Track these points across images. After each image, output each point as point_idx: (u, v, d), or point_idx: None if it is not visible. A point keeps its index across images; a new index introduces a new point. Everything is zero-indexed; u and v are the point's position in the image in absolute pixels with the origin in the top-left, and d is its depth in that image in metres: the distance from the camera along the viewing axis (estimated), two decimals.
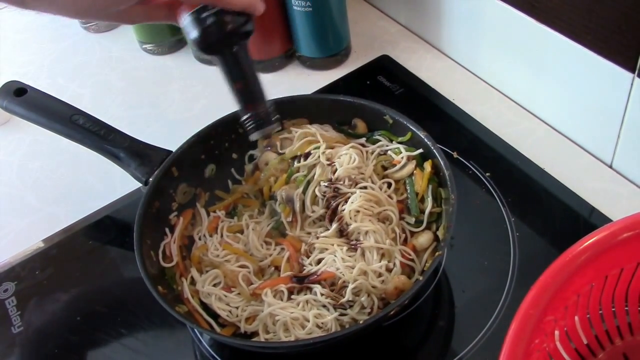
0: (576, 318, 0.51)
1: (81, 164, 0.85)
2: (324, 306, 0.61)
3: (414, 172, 0.68)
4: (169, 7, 0.56)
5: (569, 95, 0.76)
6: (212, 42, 0.54)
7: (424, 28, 0.95)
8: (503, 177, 0.74)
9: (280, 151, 0.72)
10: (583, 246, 0.47)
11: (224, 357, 0.64)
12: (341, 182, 0.66)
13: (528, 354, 0.43)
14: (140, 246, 0.62)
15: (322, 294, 0.61)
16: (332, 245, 0.64)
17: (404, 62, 0.93)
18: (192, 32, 0.53)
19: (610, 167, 0.75)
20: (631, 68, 0.65)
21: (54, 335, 0.68)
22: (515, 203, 0.72)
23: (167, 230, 0.67)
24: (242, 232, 0.69)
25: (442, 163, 0.65)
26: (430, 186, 0.66)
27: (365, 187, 0.66)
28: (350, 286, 0.60)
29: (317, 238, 0.65)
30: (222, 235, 0.69)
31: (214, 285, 0.65)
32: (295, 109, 0.73)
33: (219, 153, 0.73)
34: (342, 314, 0.61)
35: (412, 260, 0.64)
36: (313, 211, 0.67)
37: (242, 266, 0.66)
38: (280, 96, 0.72)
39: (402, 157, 0.68)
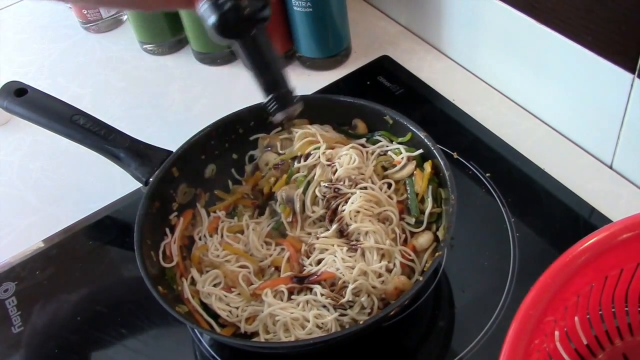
0: (576, 318, 0.51)
1: (81, 164, 0.85)
2: (324, 306, 0.61)
3: (414, 172, 0.67)
4: None
5: (569, 96, 0.76)
6: (231, 27, 0.54)
7: (424, 29, 0.95)
8: (503, 178, 0.74)
9: (280, 151, 0.72)
10: (583, 247, 0.47)
11: (224, 357, 0.64)
12: (341, 183, 0.66)
13: (528, 355, 0.43)
14: (141, 246, 0.62)
15: (322, 295, 0.61)
16: (332, 245, 0.64)
17: (404, 62, 0.92)
18: (210, 18, 0.53)
19: (610, 167, 0.75)
20: (631, 68, 0.65)
21: (54, 335, 0.68)
22: (515, 203, 0.72)
23: (167, 230, 0.67)
24: (242, 232, 0.69)
25: (442, 163, 0.65)
26: (430, 186, 0.66)
27: (365, 188, 0.66)
28: (350, 286, 0.60)
29: (317, 238, 0.66)
30: (222, 236, 0.69)
31: (214, 286, 0.65)
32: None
33: (219, 153, 0.73)
34: (342, 315, 0.61)
35: (412, 260, 0.64)
36: (313, 211, 0.67)
37: (242, 266, 0.66)
38: None
39: (402, 158, 0.68)
